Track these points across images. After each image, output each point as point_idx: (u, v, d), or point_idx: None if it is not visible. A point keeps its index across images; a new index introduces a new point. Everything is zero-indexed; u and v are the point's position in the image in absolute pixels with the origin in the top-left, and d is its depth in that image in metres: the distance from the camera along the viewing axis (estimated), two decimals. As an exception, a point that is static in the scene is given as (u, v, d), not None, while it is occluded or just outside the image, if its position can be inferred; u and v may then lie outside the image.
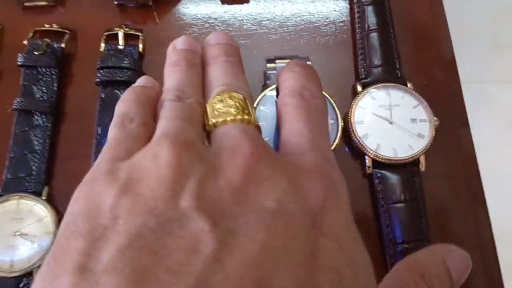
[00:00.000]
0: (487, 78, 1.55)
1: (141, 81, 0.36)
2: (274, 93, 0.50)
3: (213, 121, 0.30)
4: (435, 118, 0.50)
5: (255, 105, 0.49)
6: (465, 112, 0.54)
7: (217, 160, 0.26)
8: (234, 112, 0.29)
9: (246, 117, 0.29)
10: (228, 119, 0.29)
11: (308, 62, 0.52)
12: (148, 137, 0.30)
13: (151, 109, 0.33)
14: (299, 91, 0.34)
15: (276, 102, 0.36)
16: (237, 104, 0.30)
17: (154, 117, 0.32)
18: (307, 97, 0.33)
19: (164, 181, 0.24)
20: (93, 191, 0.26)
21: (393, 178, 0.50)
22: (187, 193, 0.24)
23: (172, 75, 0.35)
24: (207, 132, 0.31)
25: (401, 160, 0.49)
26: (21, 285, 0.47)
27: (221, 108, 0.30)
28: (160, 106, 0.32)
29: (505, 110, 1.54)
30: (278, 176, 0.26)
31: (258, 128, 0.31)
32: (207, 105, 0.32)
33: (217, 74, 0.35)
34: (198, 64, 0.36)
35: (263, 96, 0.50)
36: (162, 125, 0.29)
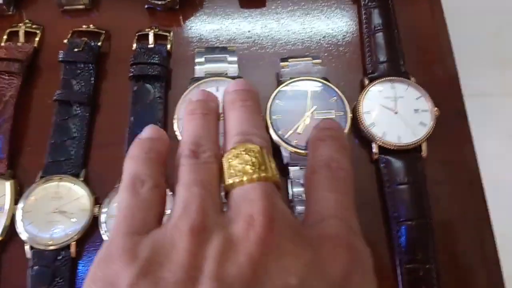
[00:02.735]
0: (491, 92, 1.58)
1: (148, 132, 0.35)
2: (288, 88, 0.55)
3: (230, 181, 0.29)
4: (435, 108, 0.55)
5: (271, 100, 0.54)
6: (463, 105, 0.59)
7: (236, 229, 0.26)
8: (251, 171, 0.29)
9: (263, 174, 0.29)
10: (245, 179, 0.29)
11: (318, 60, 0.57)
12: (161, 198, 0.32)
13: (161, 166, 0.33)
14: (328, 162, 0.34)
15: (305, 171, 0.37)
16: (253, 159, 0.29)
17: (165, 173, 0.34)
18: (335, 168, 0.33)
19: (184, 266, 0.24)
20: (111, 269, 0.25)
21: (397, 162, 0.55)
22: (206, 277, 0.24)
23: (189, 125, 0.35)
24: (225, 190, 0.31)
25: (405, 146, 0.54)
26: (59, 257, 0.51)
27: (237, 165, 0.29)
28: (178, 162, 0.32)
29: (508, 122, 1.56)
30: (299, 250, 0.26)
31: (277, 183, 0.31)
32: (223, 160, 0.31)
33: (234, 121, 0.35)
34: (214, 112, 0.37)
35: (278, 92, 0.55)
36: (180, 196, 0.29)
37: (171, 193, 0.51)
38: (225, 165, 0.31)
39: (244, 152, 0.30)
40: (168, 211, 0.51)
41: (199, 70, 0.56)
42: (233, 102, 0.37)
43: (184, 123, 0.36)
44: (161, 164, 0.34)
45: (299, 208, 0.51)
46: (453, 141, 0.57)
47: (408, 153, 0.55)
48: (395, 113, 0.55)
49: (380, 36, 0.60)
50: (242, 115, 0.35)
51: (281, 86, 0.55)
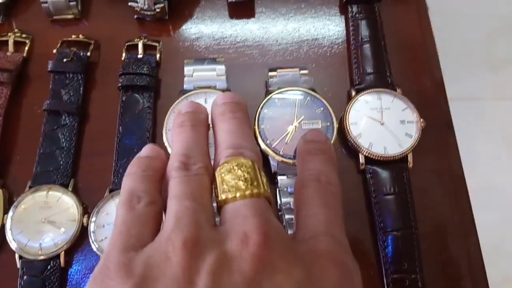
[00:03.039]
0: (483, 95, 1.60)
1: (146, 151, 0.36)
2: (276, 97, 0.56)
3: (223, 197, 0.30)
4: (421, 119, 0.56)
5: (259, 109, 0.55)
6: (449, 116, 0.60)
7: (230, 246, 0.26)
8: (243, 187, 0.29)
9: (255, 190, 0.29)
10: (238, 195, 0.29)
11: (305, 71, 0.58)
12: (157, 215, 0.31)
13: (157, 184, 0.33)
14: (317, 176, 0.34)
15: (295, 183, 0.37)
16: (246, 175, 0.30)
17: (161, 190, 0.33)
18: (324, 183, 0.34)
19: (178, 280, 0.25)
20: (108, 285, 0.26)
21: (384, 173, 0.55)
22: None
23: (178, 137, 0.35)
24: (218, 205, 0.31)
25: (391, 157, 0.55)
26: (49, 267, 0.52)
27: (230, 181, 0.30)
28: (169, 175, 0.32)
29: (500, 126, 1.58)
30: (292, 267, 0.26)
31: (268, 198, 0.31)
32: (216, 174, 0.31)
33: (224, 133, 0.35)
34: (204, 124, 0.37)
35: (266, 101, 0.56)
36: (172, 210, 0.29)
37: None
38: (218, 180, 0.31)
39: (236, 167, 0.30)
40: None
41: (188, 82, 0.57)
42: (222, 114, 0.37)
43: (173, 135, 0.36)
44: (158, 181, 0.33)
45: (288, 216, 0.52)
46: (440, 150, 0.58)
47: (394, 163, 0.55)
48: (382, 124, 0.56)
49: (367, 48, 0.61)
50: (232, 127, 0.35)
51: (269, 95, 0.56)
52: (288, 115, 0.55)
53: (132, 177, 0.33)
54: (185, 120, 0.36)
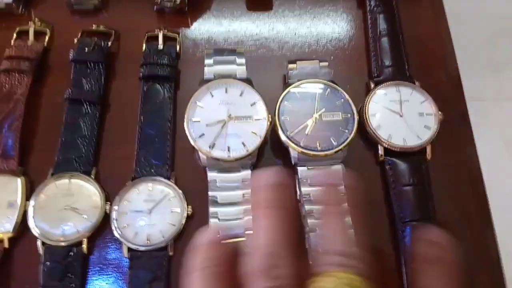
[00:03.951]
0: (484, 96, 1.60)
1: (207, 236, 0.29)
2: (296, 89, 0.56)
3: None
4: (439, 112, 0.57)
5: (279, 101, 0.55)
6: (466, 109, 0.61)
7: None
8: None
9: None
10: None
11: (325, 63, 0.58)
12: None
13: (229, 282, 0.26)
14: (435, 254, 0.30)
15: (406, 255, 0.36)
16: None
17: None
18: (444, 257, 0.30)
19: None
20: None
21: (403, 164, 0.56)
22: None
23: (262, 221, 0.28)
24: None
25: (410, 148, 0.56)
26: (71, 253, 0.52)
27: None
28: (249, 273, 0.26)
29: (501, 127, 1.59)
30: None
31: None
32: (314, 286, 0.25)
33: (330, 232, 0.29)
34: (293, 207, 0.30)
35: (286, 93, 0.56)
36: None
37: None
38: None
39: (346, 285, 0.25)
40: (176, 209, 0.52)
41: (208, 72, 0.57)
42: (326, 209, 0.31)
43: (255, 216, 0.28)
44: (229, 279, 0.26)
45: (307, 207, 0.52)
46: (457, 144, 0.59)
47: (413, 155, 0.56)
48: (401, 116, 0.57)
49: (385, 41, 0.61)
50: (338, 227, 0.30)
51: (289, 87, 0.56)
52: (308, 107, 0.55)
53: (195, 278, 0.27)
54: (271, 199, 0.28)
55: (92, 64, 0.59)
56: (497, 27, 1.72)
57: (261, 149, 0.55)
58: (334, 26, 0.65)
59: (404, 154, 0.56)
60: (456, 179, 0.57)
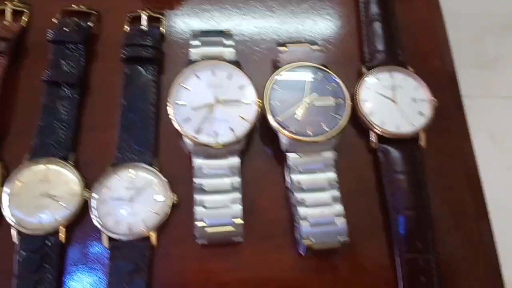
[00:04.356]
0: (470, 93, 1.60)
1: None
2: (286, 73, 0.54)
3: None
4: (434, 98, 0.55)
5: (269, 85, 0.53)
6: (459, 96, 0.59)
7: None
8: None
9: None
10: None
11: (317, 46, 0.56)
12: None
13: None
14: None
15: None
16: None
17: None
18: None
19: None
20: None
21: (396, 152, 0.54)
22: None
23: None
24: None
25: (403, 135, 0.54)
26: (48, 243, 0.49)
27: None
28: None
29: (487, 124, 1.59)
30: None
31: None
32: None
33: None
34: None
35: (276, 77, 0.54)
36: None
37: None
38: None
39: None
40: (160, 198, 0.50)
41: (195, 53, 0.54)
42: None
43: None
44: None
45: (298, 195, 0.50)
46: (451, 132, 0.57)
47: (406, 142, 0.54)
48: (394, 102, 0.55)
49: (377, 25, 0.59)
50: None
51: (278, 71, 0.54)
52: (299, 92, 0.53)
53: None
54: None
55: (71, 45, 0.56)
56: (485, 25, 1.73)
57: (250, 135, 0.52)
58: (325, 8, 0.63)
59: (397, 141, 0.54)
60: (451, 168, 0.56)
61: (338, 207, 0.50)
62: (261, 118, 0.53)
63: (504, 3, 1.70)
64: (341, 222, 0.49)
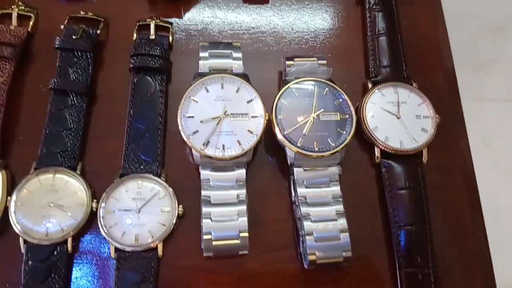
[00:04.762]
0: (465, 95, 1.62)
1: None
2: (294, 87, 0.54)
3: None
4: (437, 115, 0.56)
5: (277, 98, 0.53)
6: (461, 112, 0.60)
7: None
8: None
9: None
10: None
11: (324, 61, 0.57)
12: None
13: None
14: None
15: None
16: None
17: None
18: None
19: None
20: None
21: (399, 167, 0.55)
22: None
23: None
24: None
25: (406, 151, 0.55)
26: (55, 252, 0.49)
27: None
28: None
29: (479, 126, 1.61)
30: None
31: None
32: None
33: None
34: None
35: (284, 91, 0.54)
36: None
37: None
38: None
39: None
40: (166, 209, 0.50)
41: (203, 65, 0.55)
42: None
43: None
44: None
45: (303, 209, 0.51)
46: (452, 147, 0.59)
47: (409, 158, 0.55)
48: (398, 118, 0.56)
49: (383, 40, 0.60)
50: None
51: (287, 85, 0.55)
52: (306, 106, 0.54)
53: None
54: None
55: (79, 53, 0.56)
56: (479, 26, 1.73)
57: (255, 148, 0.53)
58: (331, 23, 0.63)
59: (400, 156, 0.55)
60: (451, 183, 0.57)
61: (342, 222, 0.51)
62: (268, 131, 0.54)
63: (498, 5, 1.71)
64: (345, 237, 0.50)
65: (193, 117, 0.52)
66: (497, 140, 1.53)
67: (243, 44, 0.60)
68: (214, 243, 0.49)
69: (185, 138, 0.51)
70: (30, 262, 0.49)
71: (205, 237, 0.49)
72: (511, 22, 1.72)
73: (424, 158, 0.56)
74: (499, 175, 1.44)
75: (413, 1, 0.65)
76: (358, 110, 0.56)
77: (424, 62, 0.62)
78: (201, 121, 0.52)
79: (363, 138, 0.57)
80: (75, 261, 0.51)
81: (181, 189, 0.53)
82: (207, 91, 0.53)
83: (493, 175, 1.44)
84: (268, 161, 0.56)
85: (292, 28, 0.62)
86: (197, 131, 0.51)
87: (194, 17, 0.62)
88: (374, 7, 0.62)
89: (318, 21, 0.63)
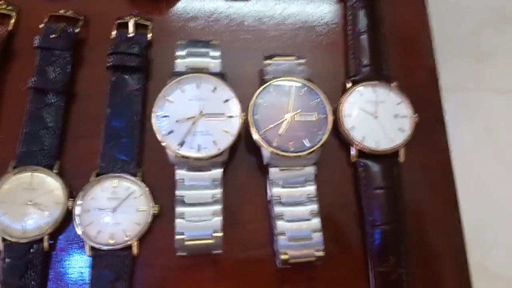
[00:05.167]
0: (468, 86, 1.60)
1: None
2: (271, 87, 0.54)
3: None
4: (415, 115, 0.56)
5: (254, 98, 0.53)
6: (442, 112, 0.60)
7: None
8: None
9: None
10: None
11: (302, 60, 0.56)
12: None
13: None
14: None
15: None
16: None
17: None
18: None
19: None
20: None
21: (375, 167, 0.55)
22: None
23: None
24: None
25: (383, 151, 0.55)
26: (32, 250, 0.50)
27: None
28: None
29: (484, 117, 1.60)
30: None
31: None
32: None
33: None
34: None
35: (261, 91, 0.54)
36: None
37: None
38: None
39: None
40: (142, 208, 0.51)
41: (180, 64, 0.55)
42: None
43: None
44: None
45: (277, 209, 0.51)
46: (431, 146, 0.58)
47: (386, 157, 0.55)
48: (375, 117, 0.56)
49: (364, 39, 0.60)
50: None
51: (264, 85, 0.54)
52: (283, 106, 0.54)
53: None
54: None
55: (58, 52, 0.56)
56: (481, 17, 1.72)
57: (233, 147, 0.53)
58: (313, 21, 0.63)
59: (377, 156, 0.55)
60: (428, 183, 0.57)
61: (316, 222, 0.51)
62: (246, 130, 0.54)
63: (502, -4, 1.69)
64: (317, 236, 0.51)
65: (168, 116, 0.52)
66: (500, 132, 1.52)
67: (224, 42, 0.59)
68: (187, 242, 0.49)
69: (159, 138, 0.51)
70: (7, 260, 0.49)
71: (177, 237, 0.49)
72: (515, 13, 1.69)
73: (401, 158, 0.55)
74: (500, 166, 1.44)
75: (396, 0, 0.64)
76: (337, 109, 0.56)
77: (406, 61, 0.62)
78: (176, 121, 0.52)
79: (341, 138, 0.57)
80: (52, 258, 0.51)
81: (158, 188, 0.53)
82: (183, 91, 0.53)
83: (493, 165, 1.44)
84: (247, 160, 0.56)
85: (273, 26, 0.62)
86: (172, 131, 0.51)
87: (175, 14, 0.62)
88: (355, 4, 0.61)
89: (300, 18, 0.63)
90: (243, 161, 0.56)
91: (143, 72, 0.57)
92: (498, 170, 1.45)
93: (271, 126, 0.53)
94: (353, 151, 0.55)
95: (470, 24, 1.66)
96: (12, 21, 0.59)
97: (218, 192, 0.52)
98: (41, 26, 0.58)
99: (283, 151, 0.51)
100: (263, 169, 0.55)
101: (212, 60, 0.55)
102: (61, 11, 0.59)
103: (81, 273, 0.51)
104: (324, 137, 0.53)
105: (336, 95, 0.58)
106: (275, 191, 0.52)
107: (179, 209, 0.50)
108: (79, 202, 0.51)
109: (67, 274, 0.51)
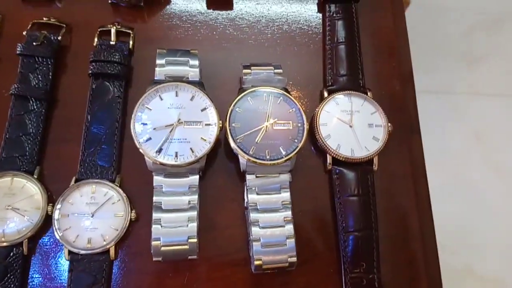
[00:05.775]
0: (458, 90, 1.62)
1: None
2: (249, 96, 0.56)
3: None
4: (389, 124, 0.57)
5: (231, 106, 0.54)
6: (417, 120, 0.61)
7: None
8: None
9: None
10: None
11: (279, 70, 0.57)
12: None
13: None
14: None
15: None
16: None
17: None
18: None
19: None
20: None
21: (349, 174, 0.56)
22: None
23: None
24: None
25: (357, 159, 0.56)
26: (12, 254, 0.51)
27: None
28: None
29: (473, 120, 1.61)
30: None
31: None
32: None
33: None
34: None
35: (239, 99, 0.55)
36: None
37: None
38: None
39: None
40: (120, 213, 0.52)
41: (160, 73, 0.56)
42: None
43: None
44: None
45: (253, 215, 0.52)
46: (405, 154, 0.60)
47: (360, 165, 0.57)
48: (350, 126, 0.57)
49: (342, 49, 0.61)
50: None
51: (242, 94, 0.56)
52: (260, 115, 0.55)
53: None
54: None
55: (40, 59, 0.57)
56: (473, 21, 1.73)
57: (210, 154, 0.54)
58: (293, 30, 0.64)
59: (352, 164, 0.56)
60: (401, 190, 0.58)
61: (289, 228, 0.52)
62: (224, 138, 0.55)
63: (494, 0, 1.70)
64: (290, 243, 0.52)
65: (146, 124, 0.53)
66: (489, 135, 1.53)
67: (205, 50, 0.61)
68: (163, 248, 0.50)
69: (137, 145, 0.52)
70: (-14, 263, 0.51)
71: (153, 242, 0.50)
72: (506, 16, 1.71)
73: (375, 166, 0.57)
74: (490, 169, 1.45)
75: (375, 9, 0.65)
76: (313, 118, 0.57)
77: (383, 70, 0.63)
78: (154, 129, 0.53)
79: (317, 146, 0.58)
80: (31, 261, 0.52)
81: (137, 194, 0.54)
82: (161, 98, 0.54)
83: (483, 168, 1.45)
84: (226, 167, 0.57)
85: (253, 36, 0.63)
86: (150, 138, 0.52)
87: (157, 23, 0.63)
88: (334, 15, 0.63)
89: (280, 28, 0.64)
90: (222, 168, 0.57)
91: (124, 79, 0.58)
92: (487, 173, 1.47)
93: (247, 133, 0.54)
94: (328, 159, 0.57)
95: (461, 28, 1.67)
96: (-5, 28, 0.60)
97: (194, 198, 0.53)
98: (24, 33, 0.58)
99: (259, 159, 0.53)
100: (242, 176, 0.56)
101: (191, 69, 0.56)
102: (44, 19, 0.60)
103: (60, 276, 0.52)
104: (300, 145, 0.54)
105: (315, 103, 0.59)
106: (251, 197, 0.53)
107: (156, 215, 0.51)
108: (58, 207, 0.52)
109: (46, 278, 0.52)
